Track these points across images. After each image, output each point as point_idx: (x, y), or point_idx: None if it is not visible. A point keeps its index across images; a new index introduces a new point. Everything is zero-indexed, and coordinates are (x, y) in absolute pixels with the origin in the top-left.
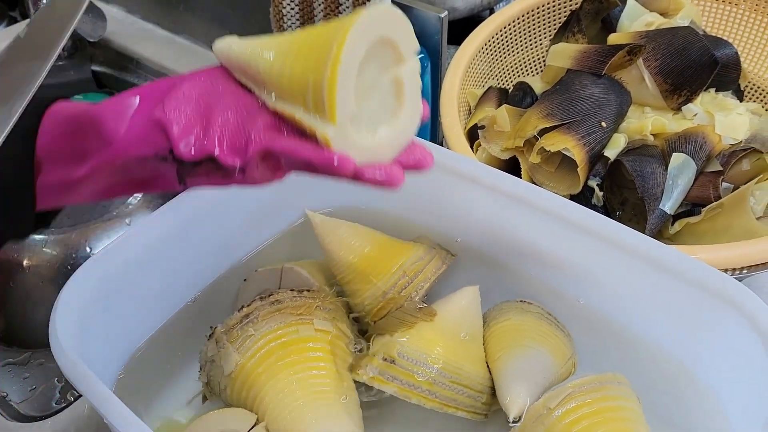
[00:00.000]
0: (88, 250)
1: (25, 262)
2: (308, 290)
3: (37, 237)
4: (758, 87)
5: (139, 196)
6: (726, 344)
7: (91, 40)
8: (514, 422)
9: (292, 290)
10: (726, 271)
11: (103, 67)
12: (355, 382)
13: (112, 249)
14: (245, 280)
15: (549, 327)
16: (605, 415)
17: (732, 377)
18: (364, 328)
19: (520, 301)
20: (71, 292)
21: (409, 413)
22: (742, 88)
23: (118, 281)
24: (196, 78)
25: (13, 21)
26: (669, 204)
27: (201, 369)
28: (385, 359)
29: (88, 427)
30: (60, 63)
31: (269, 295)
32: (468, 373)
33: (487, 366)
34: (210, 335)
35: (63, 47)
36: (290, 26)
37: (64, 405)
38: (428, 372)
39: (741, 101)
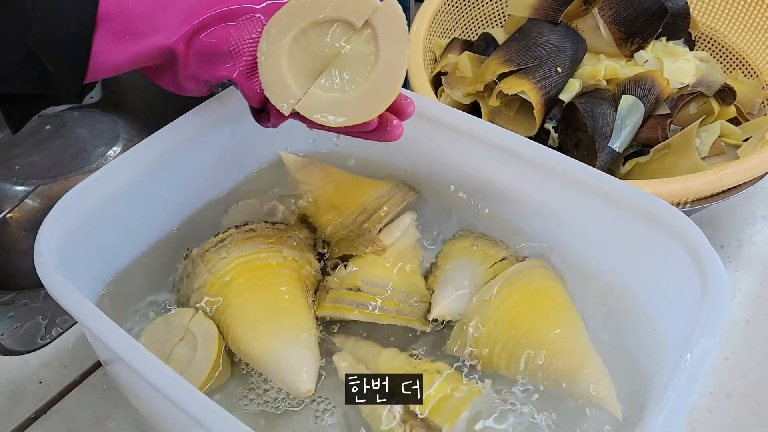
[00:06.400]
0: None
1: (7, 214)
2: (281, 223)
3: (19, 189)
4: (709, 37)
5: (118, 148)
6: (667, 273)
7: None
8: (434, 321)
9: (266, 222)
10: (672, 204)
11: None
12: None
13: (95, 179)
14: (226, 212)
15: (476, 241)
16: (534, 296)
17: (671, 306)
18: (326, 255)
19: (462, 230)
20: (55, 218)
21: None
22: (693, 38)
23: (101, 209)
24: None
25: None
26: (618, 143)
27: (174, 286)
28: (350, 289)
29: (71, 360)
30: None
31: (244, 224)
32: (423, 288)
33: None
34: (186, 255)
35: None
36: None
37: (48, 340)
38: (393, 294)
39: (692, 50)
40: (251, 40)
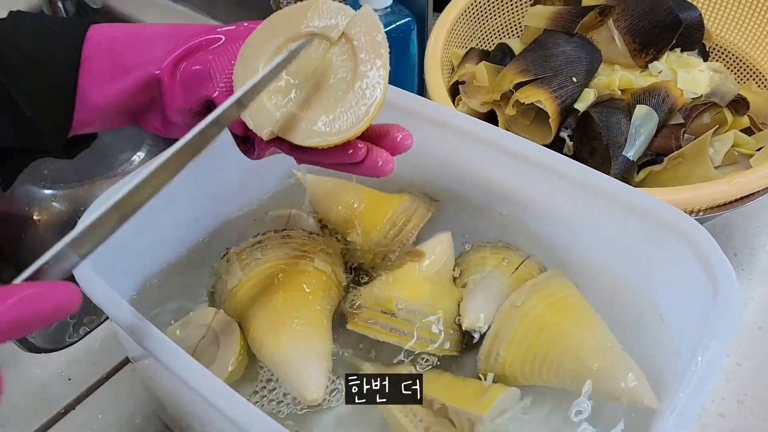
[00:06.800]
0: None
1: (35, 216)
2: (318, 234)
3: (47, 192)
4: (723, 48)
5: (143, 153)
6: (678, 279)
7: (94, 6)
8: (467, 331)
9: (303, 230)
10: (685, 212)
11: None
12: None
13: (126, 182)
14: (255, 219)
15: (494, 252)
16: (560, 303)
17: (683, 311)
18: (358, 276)
19: (487, 242)
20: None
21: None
22: (707, 49)
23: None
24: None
25: None
26: (632, 151)
27: (210, 283)
28: (385, 312)
29: (99, 358)
30: None
31: (283, 230)
32: (452, 313)
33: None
34: (224, 254)
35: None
36: None
37: (76, 339)
38: (426, 321)
39: (706, 61)
40: (231, 63)
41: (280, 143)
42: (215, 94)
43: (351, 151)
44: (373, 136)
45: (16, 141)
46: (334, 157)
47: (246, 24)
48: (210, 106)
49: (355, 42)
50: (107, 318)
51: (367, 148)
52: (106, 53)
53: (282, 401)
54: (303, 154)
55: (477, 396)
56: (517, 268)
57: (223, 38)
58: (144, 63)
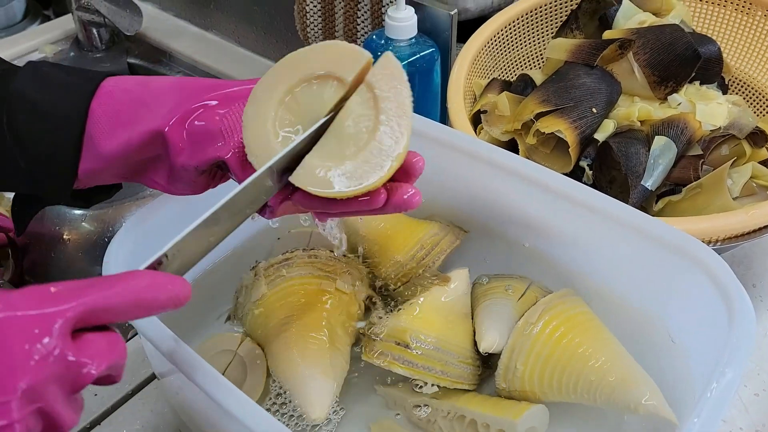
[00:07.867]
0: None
1: (65, 236)
2: (344, 255)
3: (77, 212)
4: (742, 81)
5: None
6: (695, 307)
7: (128, 33)
8: (485, 353)
9: (331, 251)
10: (702, 242)
11: (137, 60)
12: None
13: (156, 204)
14: (278, 239)
15: (499, 281)
16: (574, 320)
17: (699, 339)
18: (385, 293)
19: (494, 274)
20: (121, 239)
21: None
22: (726, 82)
23: (161, 233)
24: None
25: (47, 19)
26: (650, 181)
27: (235, 293)
28: (399, 343)
29: (124, 374)
30: (97, 55)
31: (311, 249)
32: (466, 349)
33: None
34: (253, 267)
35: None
36: (312, 22)
37: None
38: (440, 354)
39: (725, 94)
40: (240, 122)
41: (300, 198)
42: (228, 155)
43: (369, 198)
44: None
45: (23, 188)
46: (356, 206)
47: (256, 81)
48: (221, 165)
49: (376, 90)
50: (135, 334)
51: (386, 191)
52: (116, 104)
53: (292, 415)
54: (322, 207)
55: (509, 407)
56: (522, 295)
57: (231, 96)
58: (150, 117)
